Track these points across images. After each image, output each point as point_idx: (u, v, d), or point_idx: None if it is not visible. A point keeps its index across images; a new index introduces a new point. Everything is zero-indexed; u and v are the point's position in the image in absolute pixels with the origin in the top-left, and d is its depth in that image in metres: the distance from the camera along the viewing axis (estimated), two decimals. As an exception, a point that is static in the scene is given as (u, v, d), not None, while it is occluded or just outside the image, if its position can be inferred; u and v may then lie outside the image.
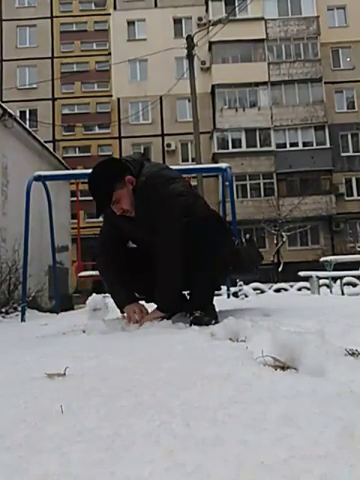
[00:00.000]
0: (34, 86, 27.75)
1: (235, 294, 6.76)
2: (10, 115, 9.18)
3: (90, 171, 2.41)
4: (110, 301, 2.53)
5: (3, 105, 9.22)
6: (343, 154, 25.97)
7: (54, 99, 28.24)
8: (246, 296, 7.32)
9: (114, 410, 0.91)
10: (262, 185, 25.57)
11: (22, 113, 26.05)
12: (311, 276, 8.58)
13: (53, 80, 27.83)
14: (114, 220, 2.45)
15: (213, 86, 25.94)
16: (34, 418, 0.89)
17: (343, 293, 8.28)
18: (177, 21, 27.53)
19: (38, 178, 4.91)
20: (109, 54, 27.90)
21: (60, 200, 11.36)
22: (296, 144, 25.74)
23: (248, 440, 0.72)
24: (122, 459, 0.69)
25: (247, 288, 8.70)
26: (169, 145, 26.44)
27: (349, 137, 26.25)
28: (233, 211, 5.20)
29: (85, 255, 5.72)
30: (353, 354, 1.25)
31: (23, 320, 4.52)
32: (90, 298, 2.55)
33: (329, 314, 2.37)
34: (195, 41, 16.13)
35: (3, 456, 0.73)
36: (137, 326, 2.21)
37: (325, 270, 9.19)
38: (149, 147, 26.59)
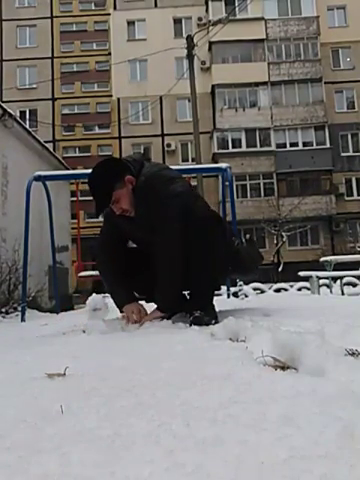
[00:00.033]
0: (34, 86, 27.76)
1: (235, 294, 6.76)
2: (10, 115, 9.18)
3: (90, 171, 2.42)
4: (110, 301, 2.53)
5: (3, 105, 9.22)
6: (343, 154, 25.98)
7: (54, 99, 28.24)
8: (246, 296, 7.32)
9: (114, 410, 0.91)
10: (262, 185, 25.58)
11: (22, 113, 26.05)
12: (311, 276, 8.59)
13: (53, 80, 27.83)
14: (114, 220, 2.45)
15: (213, 86, 25.94)
16: (34, 418, 0.89)
17: (343, 293, 8.29)
18: (177, 21, 27.53)
19: (38, 178, 4.92)
20: (109, 54, 27.91)
21: (60, 200, 11.36)
22: (296, 144, 25.74)
23: (248, 440, 0.72)
24: (122, 459, 0.69)
25: (247, 288, 8.70)
26: (169, 145, 26.45)
27: (349, 137, 26.26)
28: (233, 211, 5.20)
29: (85, 255, 5.72)
30: (353, 354, 1.25)
31: (23, 320, 4.52)
32: (90, 298, 2.55)
33: (329, 314, 2.37)
34: (195, 41, 16.14)
35: (3, 456, 0.72)
36: (137, 326, 2.21)
37: (325, 270, 9.19)
38: (149, 147, 26.59)
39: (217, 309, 2.39)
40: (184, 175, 3.18)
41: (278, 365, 1.15)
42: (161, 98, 25.51)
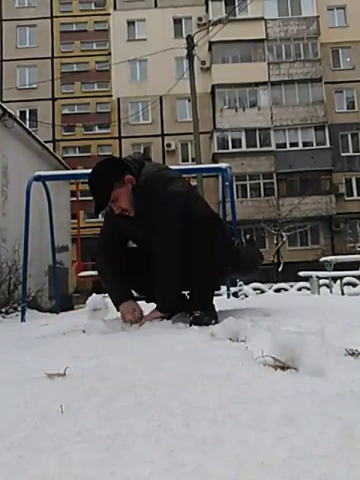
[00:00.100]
0: (34, 86, 27.76)
1: (235, 294, 6.76)
2: (10, 115, 9.18)
3: (90, 171, 2.43)
4: (110, 301, 2.53)
5: (3, 105, 9.22)
6: (343, 154, 25.98)
7: (54, 99, 28.25)
8: (246, 296, 7.32)
9: (114, 410, 0.91)
10: (262, 185, 25.58)
11: (22, 113, 26.05)
12: (311, 276, 8.59)
13: (53, 80, 27.84)
14: (114, 220, 2.45)
15: (213, 86, 25.95)
16: (34, 418, 0.89)
17: (343, 293, 8.29)
18: (177, 21, 27.53)
19: (38, 178, 4.92)
20: (109, 54, 27.91)
21: (60, 200, 11.36)
22: (296, 144, 25.74)
23: (248, 440, 0.72)
24: (122, 459, 0.69)
25: (247, 288, 8.70)
26: (169, 145, 26.45)
27: (349, 137, 26.27)
28: (233, 211, 5.20)
29: (85, 255, 5.73)
30: (353, 354, 1.25)
31: (23, 320, 4.52)
32: (90, 298, 2.55)
33: (329, 314, 2.37)
34: (195, 41, 16.14)
35: (3, 456, 0.72)
36: (137, 326, 2.22)
37: (325, 270, 9.19)
38: (149, 147, 26.59)
39: (217, 309, 2.38)
40: (184, 175, 3.18)
41: (278, 365, 1.15)
42: (161, 98, 25.51)
